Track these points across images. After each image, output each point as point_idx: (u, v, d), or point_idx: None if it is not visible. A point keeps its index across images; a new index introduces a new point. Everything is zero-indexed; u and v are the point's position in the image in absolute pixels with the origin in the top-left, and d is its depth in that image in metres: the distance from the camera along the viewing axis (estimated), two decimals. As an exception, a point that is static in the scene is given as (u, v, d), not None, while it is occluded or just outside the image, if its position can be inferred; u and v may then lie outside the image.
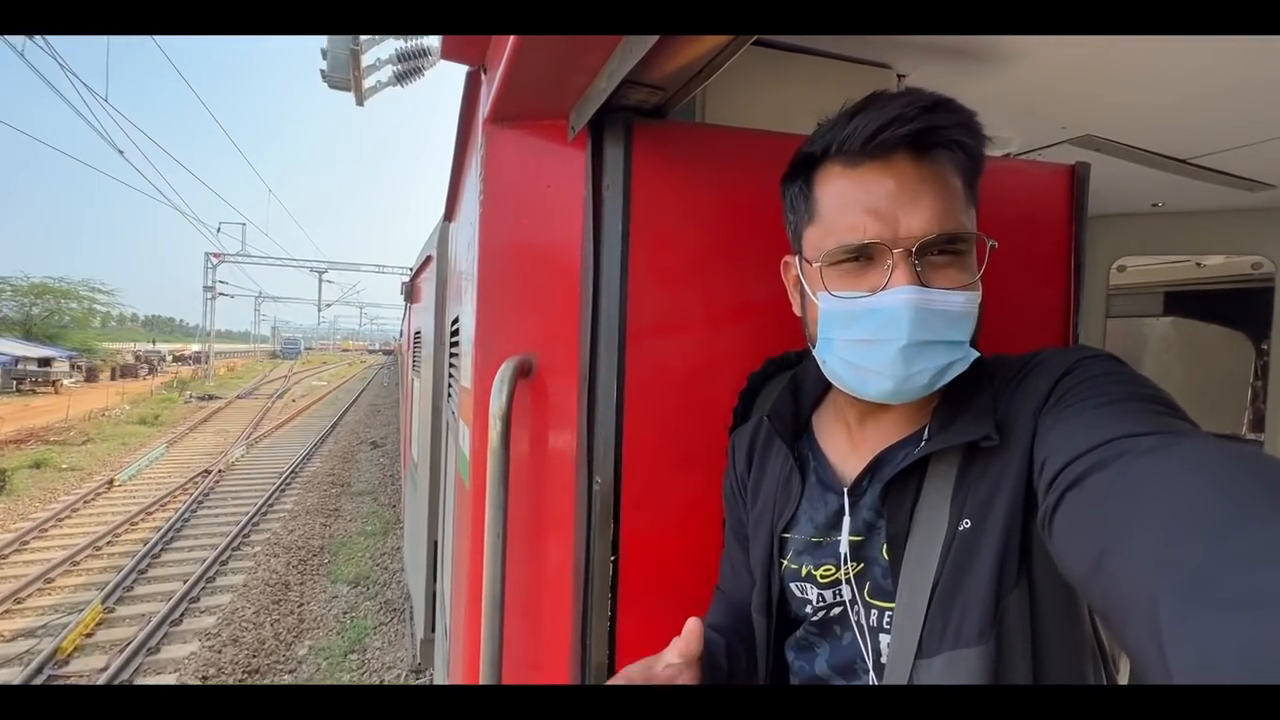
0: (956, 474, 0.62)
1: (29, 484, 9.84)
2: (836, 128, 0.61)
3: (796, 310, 0.72)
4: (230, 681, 4.64)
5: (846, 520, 0.67)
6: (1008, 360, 0.66)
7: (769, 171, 0.95)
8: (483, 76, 1.01)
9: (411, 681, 4.51)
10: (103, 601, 5.71)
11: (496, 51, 0.88)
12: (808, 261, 0.65)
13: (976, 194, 0.64)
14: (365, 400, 22.62)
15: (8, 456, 11.38)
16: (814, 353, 0.67)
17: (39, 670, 4.64)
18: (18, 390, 22.58)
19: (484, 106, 0.95)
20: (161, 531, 7.60)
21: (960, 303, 0.59)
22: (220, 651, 5.03)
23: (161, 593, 6.06)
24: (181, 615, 5.66)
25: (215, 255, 33.12)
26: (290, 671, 4.87)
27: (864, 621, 0.66)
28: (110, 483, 9.84)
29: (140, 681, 4.68)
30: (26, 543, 7.31)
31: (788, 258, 0.73)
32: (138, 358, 37.14)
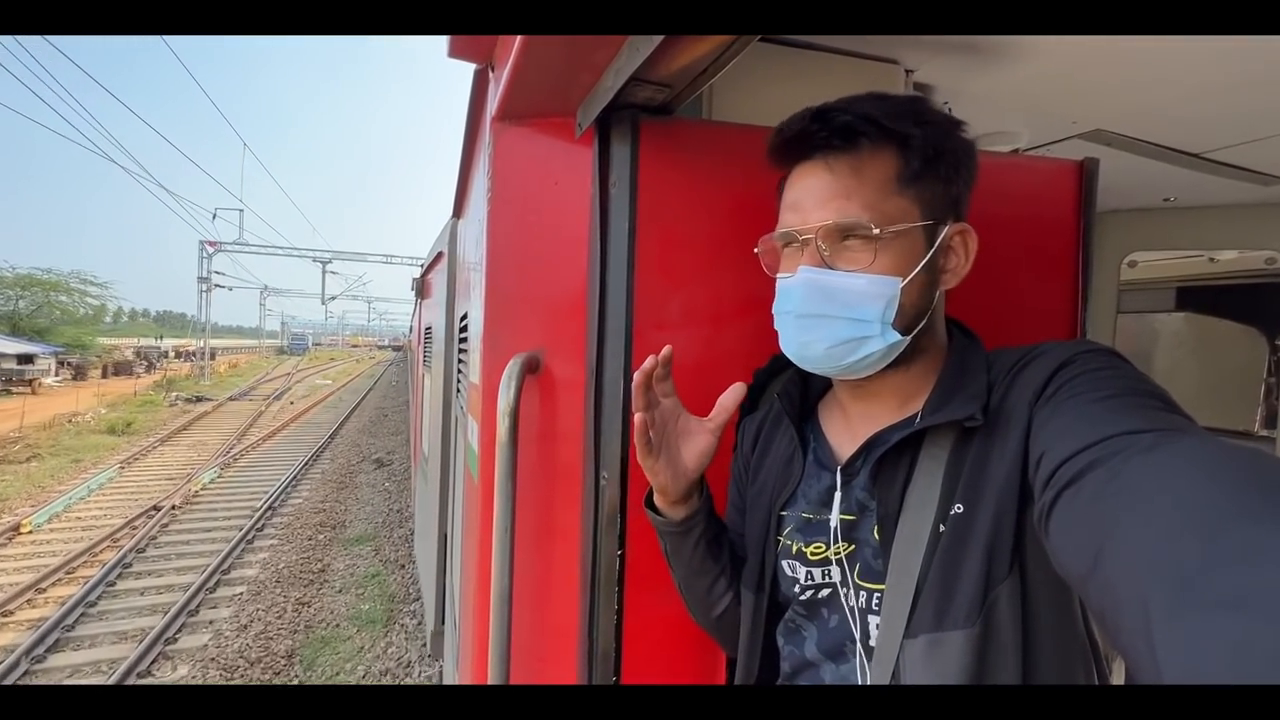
0: (949, 456, 0.63)
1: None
2: None
3: None
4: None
5: (838, 497, 0.70)
6: (1010, 351, 0.67)
7: (775, 169, 0.95)
8: (490, 74, 1.02)
9: (422, 681, 4.41)
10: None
11: (504, 50, 0.88)
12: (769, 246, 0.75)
13: (931, 183, 0.65)
14: (371, 403, 19.82)
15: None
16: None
17: None
18: (-11, 391, 19.46)
19: (491, 104, 0.96)
20: (39, 632, 4.58)
21: (860, 284, 0.64)
22: None
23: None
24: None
25: (210, 243, 29.92)
26: None
27: (854, 603, 0.68)
28: (17, 529, 6.81)
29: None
30: None
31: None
32: (138, 354, 34.82)
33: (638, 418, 0.72)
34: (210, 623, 5.04)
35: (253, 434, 13.40)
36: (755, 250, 0.75)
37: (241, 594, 5.53)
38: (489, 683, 0.88)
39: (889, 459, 0.66)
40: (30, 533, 6.92)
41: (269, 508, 7.92)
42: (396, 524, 7.55)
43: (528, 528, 0.94)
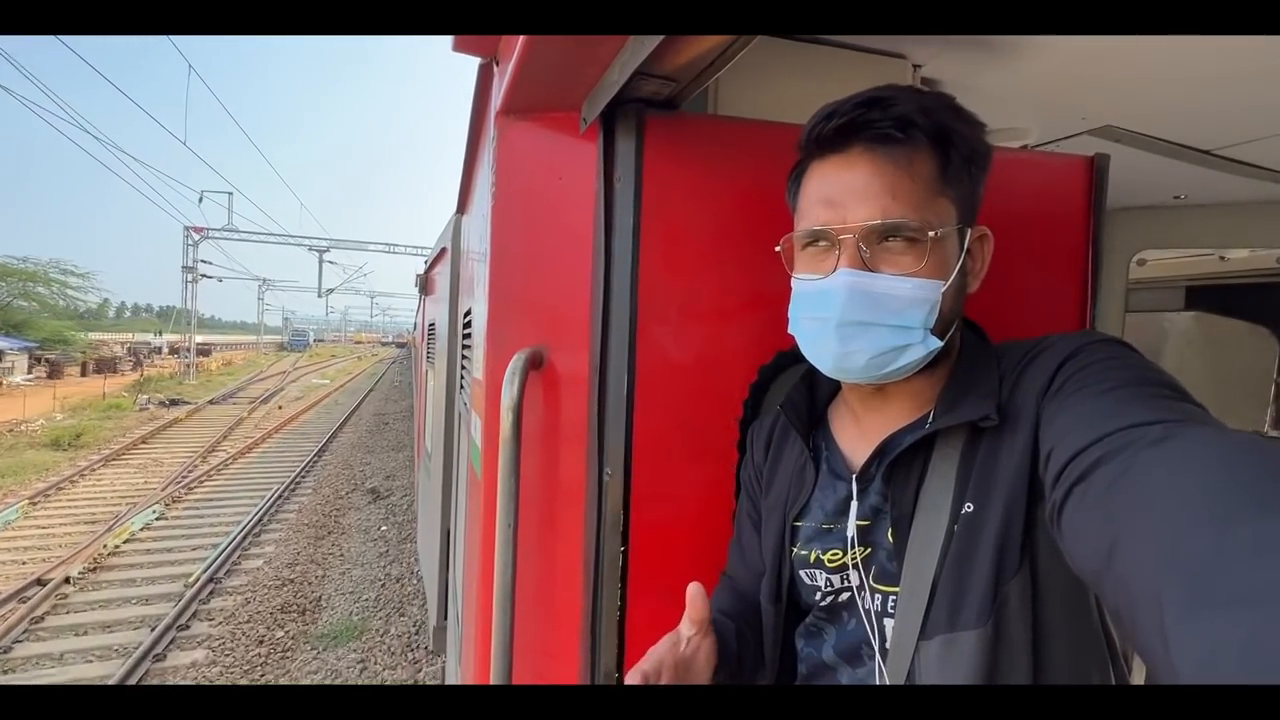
0: (960, 456, 0.62)
1: None
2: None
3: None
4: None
5: (854, 506, 0.68)
6: (1017, 345, 0.66)
7: (781, 163, 0.94)
8: (495, 69, 1.01)
9: (425, 669, 4.38)
10: None
11: (508, 44, 0.88)
12: (789, 244, 0.71)
13: (960, 183, 0.63)
14: (371, 406, 17.44)
15: None
16: (789, 331, 0.71)
17: None
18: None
19: (496, 99, 0.96)
20: None
21: (906, 289, 0.60)
22: None
23: None
24: None
25: (196, 229, 26.68)
26: None
27: (869, 606, 0.67)
28: None
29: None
30: None
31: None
32: (130, 350, 32.75)
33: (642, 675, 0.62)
34: None
35: (224, 449, 10.96)
36: (777, 249, 0.71)
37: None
38: (491, 679, 0.88)
39: (902, 461, 0.65)
40: None
41: (210, 578, 5.26)
42: (396, 603, 4.91)
43: (531, 524, 0.93)
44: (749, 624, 0.79)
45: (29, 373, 22.49)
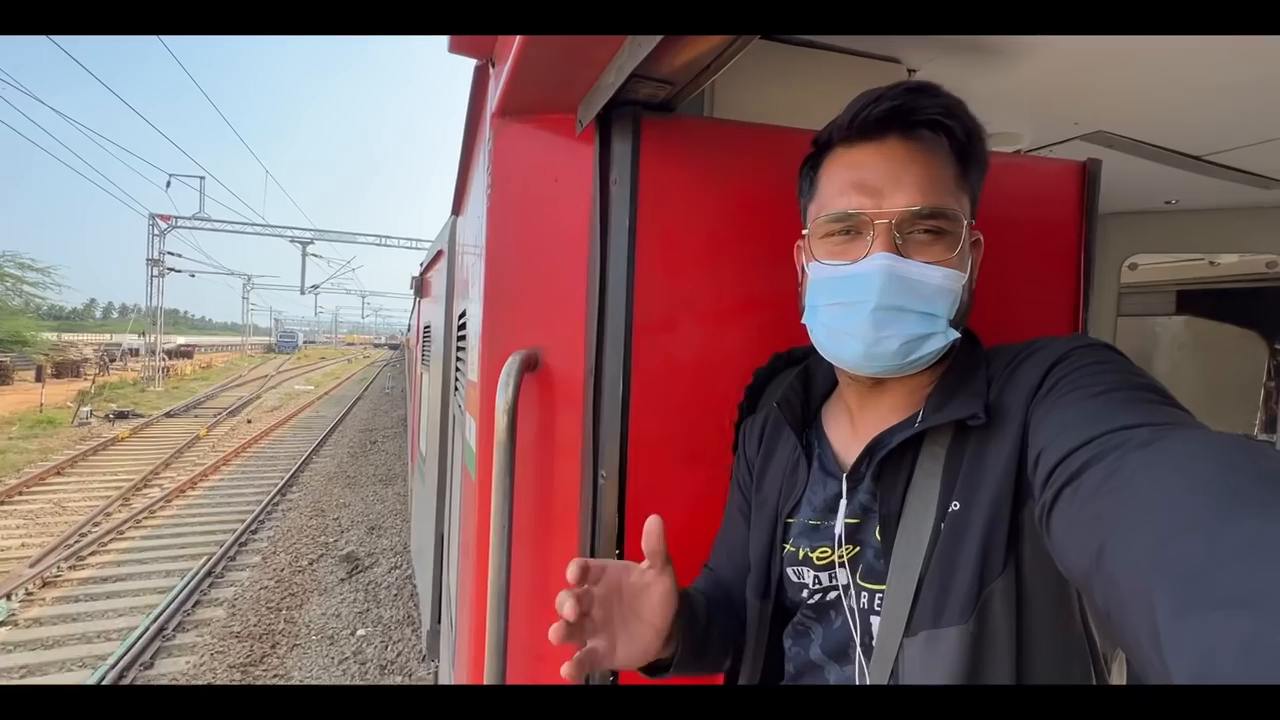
0: (947, 455, 0.63)
1: None
2: (840, 115, 0.66)
3: (801, 290, 0.74)
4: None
5: (843, 504, 0.69)
6: (1006, 348, 0.67)
7: (777, 166, 0.95)
8: (491, 70, 1.01)
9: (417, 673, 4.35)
10: None
11: (504, 46, 0.88)
12: (805, 236, 0.71)
13: (970, 183, 0.66)
14: (358, 418, 14.89)
15: None
16: (804, 321, 0.71)
17: None
18: None
19: (492, 100, 0.96)
20: None
21: (937, 277, 0.61)
22: None
23: None
24: None
25: (163, 217, 23.37)
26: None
27: (855, 604, 0.67)
28: None
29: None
30: None
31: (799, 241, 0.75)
32: (104, 352, 28.37)
33: (567, 608, 0.63)
34: None
35: (159, 484, 8.30)
36: (805, 232, 0.70)
37: None
38: (485, 681, 0.87)
39: (891, 460, 0.65)
40: None
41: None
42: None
43: (525, 526, 0.93)
44: (724, 610, 0.79)
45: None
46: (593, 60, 0.78)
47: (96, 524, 6.82)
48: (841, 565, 0.69)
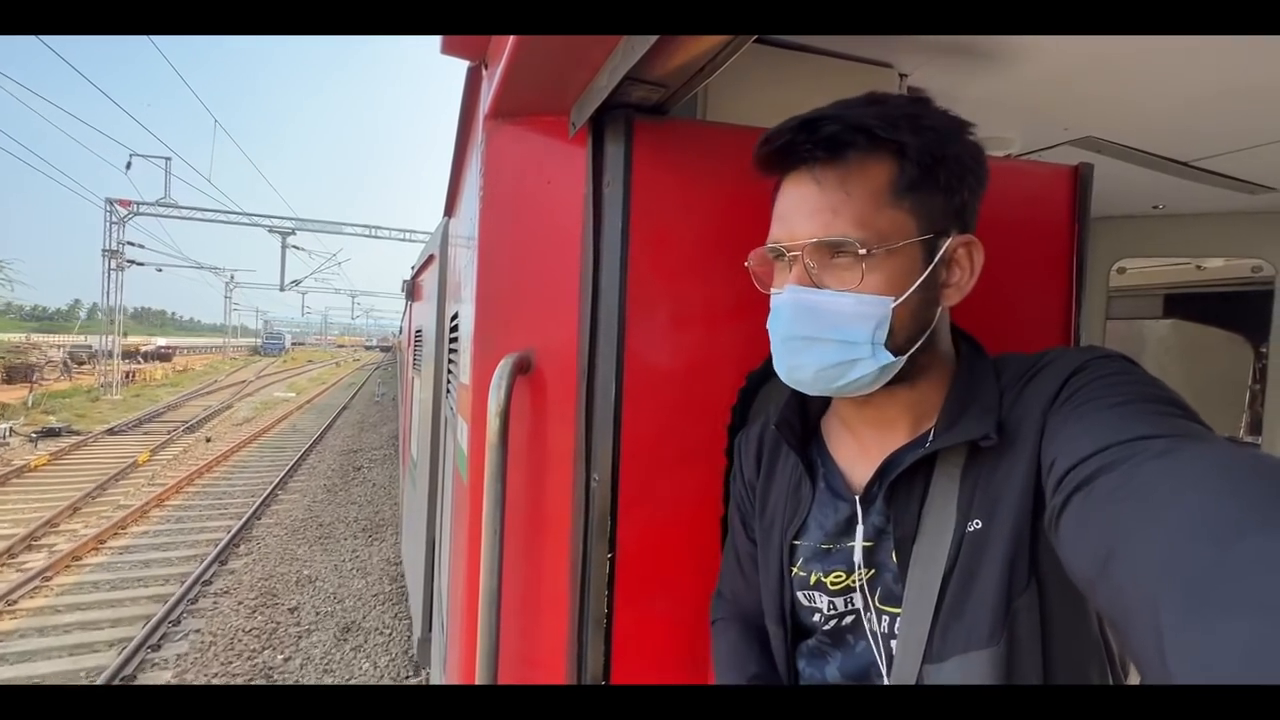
0: (961, 473, 0.61)
1: None
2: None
3: None
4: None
5: (860, 528, 0.67)
6: (1017, 359, 0.65)
7: (766, 177, 0.95)
8: (484, 72, 1.01)
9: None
10: None
11: (497, 47, 0.87)
12: None
13: (928, 195, 0.61)
14: (341, 433, 12.58)
15: None
16: None
17: None
18: None
19: (484, 102, 0.95)
20: None
21: (848, 304, 0.60)
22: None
23: None
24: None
25: (122, 203, 19.98)
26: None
27: (876, 629, 0.65)
28: None
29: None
30: None
31: None
32: (71, 354, 24.50)
33: None
34: None
35: (47, 543, 6.03)
36: (746, 264, 0.71)
37: None
38: (477, 684, 0.86)
39: (903, 481, 0.63)
40: None
41: None
42: None
43: (517, 529, 0.92)
44: (769, 653, 0.77)
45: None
46: (586, 63, 0.78)
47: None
48: (860, 590, 0.67)
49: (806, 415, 0.76)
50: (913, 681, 0.60)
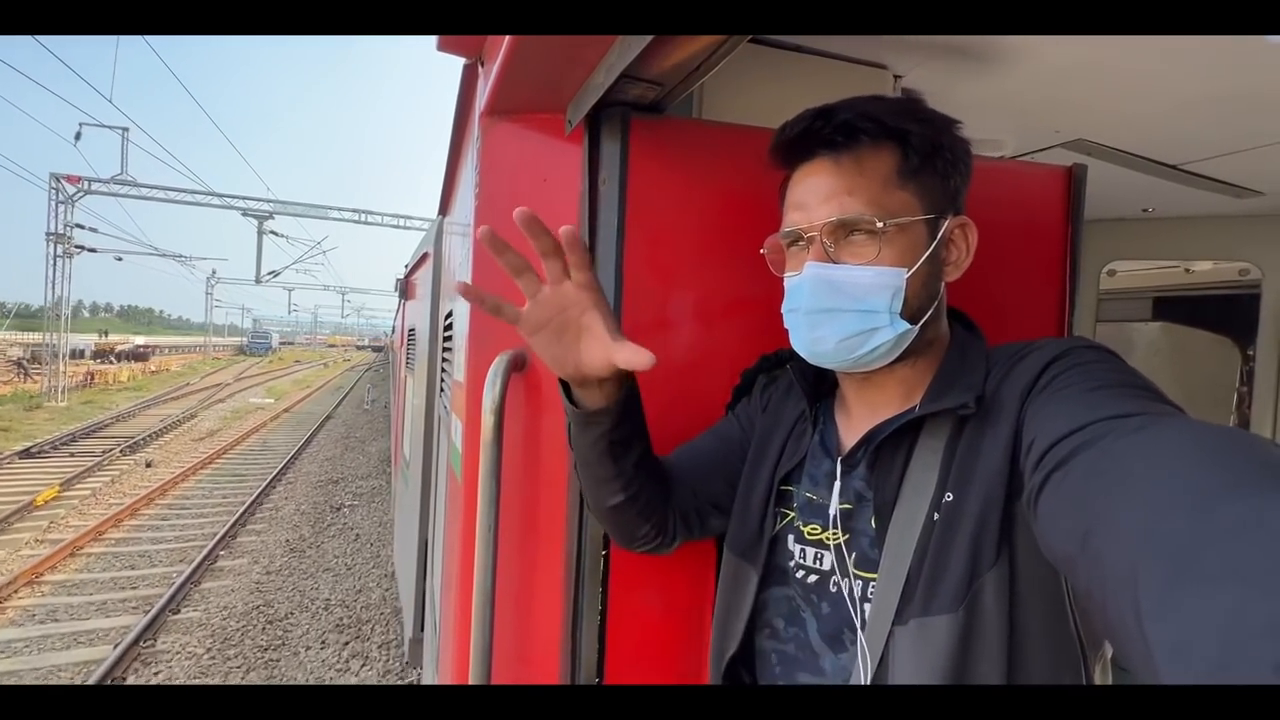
0: (944, 446, 0.64)
1: None
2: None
3: None
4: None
5: (837, 484, 0.71)
6: (1009, 345, 0.69)
7: (765, 168, 0.95)
8: (480, 69, 1.00)
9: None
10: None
11: (494, 45, 0.87)
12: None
13: (928, 178, 0.67)
14: (321, 452, 10.53)
15: None
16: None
17: None
18: None
19: (481, 99, 0.95)
20: None
21: (867, 276, 0.65)
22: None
23: None
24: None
25: (70, 179, 16.80)
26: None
27: (852, 593, 0.68)
28: None
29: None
30: None
31: None
32: (30, 353, 23.08)
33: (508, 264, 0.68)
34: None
35: None
36: (761, 251, 0.75)
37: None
38: (470, 683, 0.86)
39: (886, 448, 0.67)
40: None
41: None
42: None
43: (512, 526, 0.92)
44: (655, 461, 0.81)
45: None
46: (582, 60, 0.78)
47: None
48: (833, 550, 0.70)
49: (821, 374, 0.80)
50: (883, 642, 0.62)
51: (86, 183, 17.07)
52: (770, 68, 1.04)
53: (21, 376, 19.70)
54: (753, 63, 1.02)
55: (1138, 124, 1.26)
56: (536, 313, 0.71)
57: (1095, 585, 0.40)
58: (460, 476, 1.04)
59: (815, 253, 0.67)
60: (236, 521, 6.62)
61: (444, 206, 2.09)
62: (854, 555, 0.68)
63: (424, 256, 3.12)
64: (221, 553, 5.90)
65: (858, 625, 0.67)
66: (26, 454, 9.54)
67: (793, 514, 0.75)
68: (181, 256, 31.02)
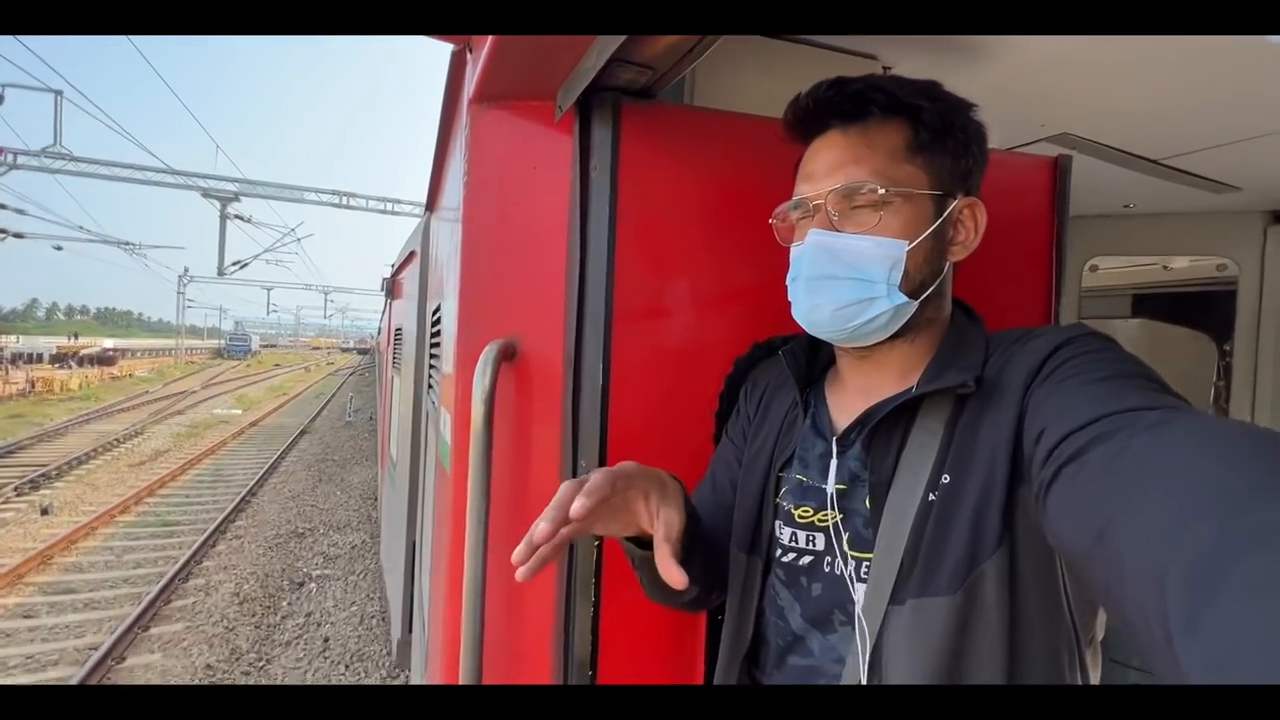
0: (943, 428, 0.63)
1: None
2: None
3: None
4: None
5: (833, 465, 0.70)
6: (1009, 330, 0.69)
7: (757, 156, 0.95)
8: (468, 55, 0.99)
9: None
10: None
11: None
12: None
13: (936, 154, 0.67)
14: (286, 487, 8.04)
15: None
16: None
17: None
18: None
19: (469, 86, 0.94)
20: None
21: (867, 245, 0.65)
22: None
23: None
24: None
25: None
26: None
27: (844, 572, 0.67)
28: None
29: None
30: None
31: None
32: None
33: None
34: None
35: None
36: (770, 221, 0.75)
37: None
38: (461, 681, 0.85)
39: (883, 428, 0.66)
40: None
41: None
42: None
43: (502, 519, 0.91)
44: (707, 538, 0.77)
45: None
46: (572, 45, 0.77)
47: None
48: (827, 531, 0.69)
49: (814, 358, 0.80)
50: (879, 622, 0.62)
51: (11, 155, 14.05)
52: (763, 56, 1.04)
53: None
54: (744, 50, 1.02)
55: (1121, 118, 1.27)
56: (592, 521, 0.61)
57: (1114, 584, 0.39)
58: (450, 469, 1.03)
59: (819, 221, 0.67)
60: (136, 622, 4.19)
61: (431, 202, 2.07)
62: (847, 535, 0.68)
63: (411, 255, 3.09)
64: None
65: (857, 605, 0.66)
66: None
67: (786, 501, 0.74)
68: (129, 244, 26.70)
